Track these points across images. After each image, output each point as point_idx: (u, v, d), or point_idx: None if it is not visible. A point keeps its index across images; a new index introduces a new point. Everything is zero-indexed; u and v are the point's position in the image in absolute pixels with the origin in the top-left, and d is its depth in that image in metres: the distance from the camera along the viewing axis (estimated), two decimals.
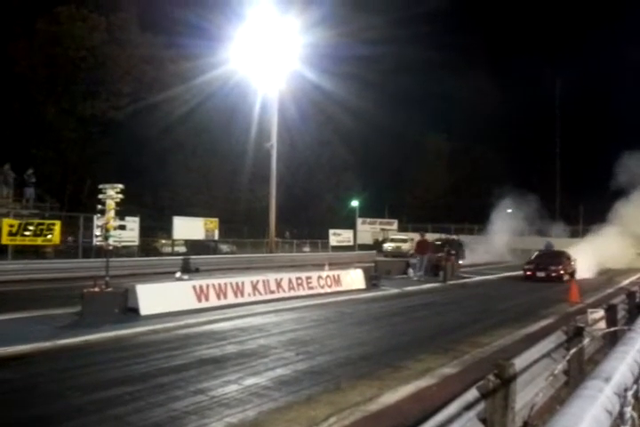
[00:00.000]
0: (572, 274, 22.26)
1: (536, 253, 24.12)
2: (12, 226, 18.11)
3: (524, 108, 58.15)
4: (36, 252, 20.65)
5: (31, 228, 18.36)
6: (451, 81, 56.43)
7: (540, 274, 21.41)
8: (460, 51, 59.07)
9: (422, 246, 21.58)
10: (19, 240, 18.28)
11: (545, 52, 65.12)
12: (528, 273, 21.74)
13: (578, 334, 6.04)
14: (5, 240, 18.12)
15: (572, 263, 22.80)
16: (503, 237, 35.85)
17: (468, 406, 3.77)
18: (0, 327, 9.42)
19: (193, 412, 5.42)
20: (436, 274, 20.80)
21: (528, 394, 4.81)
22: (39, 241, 18.74)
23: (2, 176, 23.04)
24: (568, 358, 5.45)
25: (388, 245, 39.15)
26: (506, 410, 4.04)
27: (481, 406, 3.90)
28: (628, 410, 3.02)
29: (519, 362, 4.51)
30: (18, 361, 7.32)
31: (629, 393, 3.07)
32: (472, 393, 3.93)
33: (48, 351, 7.90)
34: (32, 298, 13.54)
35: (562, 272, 21.45)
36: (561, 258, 22.66)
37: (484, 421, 3.92)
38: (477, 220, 42.36)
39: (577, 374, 5.99)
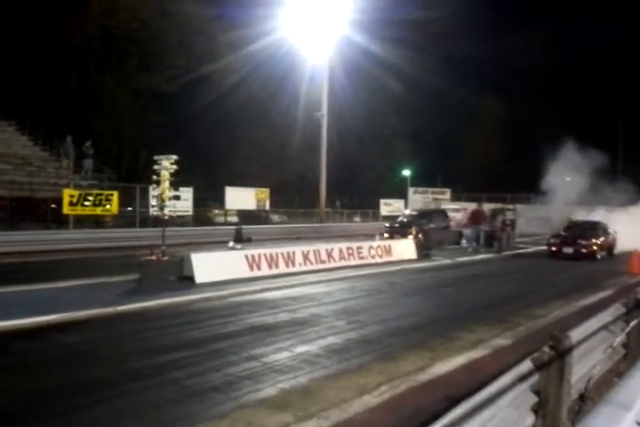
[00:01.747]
0: (609, 249, 19.00)
1: (567, 224, 20.38)
2: (72, 196, 18.78)
3: (583, 70, 55.26)
4: (95, 221, 21.40)
5: (90, 198, 18.99)
6: (506, 44, 54.06)
7: (568, 250, 17.85)
8: (516, 11, 56.39)
9: (477, 216, 21.12)
10: (79, 210, 18.96)
11: (604, 8, 61.20)
12: (553, 249, 18.35)
13: (638, 306, 5.81)
14: (66, 210, 18.83)
15: (611, 236, 19.20)
16: (561, 207, 34.64)
17: (522, 378, 3.69)
18: (64, 294, 9.87)
19: (247, 377, 5.54)
20: (491, 244, 20.42)
21: (584, 367, 4.69)
22: (98, 211, 19.39)
23: (63, 148, 23.78)
24: (628, 330, 5.26)
25: None
26: (561, 382, 3.94)
27: (535, 379, 3.82)
28: None
29: (576, 334, 4.38)
30: (81, 326, 7.66)
31: None
32: (526, 365, 3.84)
33: (109, 317, 8.23)
34: (93, 266, 14.10)
35: (594, 248, 17.78)
36: (595, 230, 18.82)
37: (537, 393, 3.84)
38: (535, 188, 41.04)
39: (636, 347, 5.79)
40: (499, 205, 31.26)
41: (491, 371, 5.09)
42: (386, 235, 21.57)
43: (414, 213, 25.42)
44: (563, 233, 19.03)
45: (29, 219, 20.84)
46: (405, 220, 23.54)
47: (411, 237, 18.63)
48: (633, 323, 5.08)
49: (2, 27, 31.04)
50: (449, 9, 43.96)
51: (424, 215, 23.91)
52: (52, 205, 20.81)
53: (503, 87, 56.77)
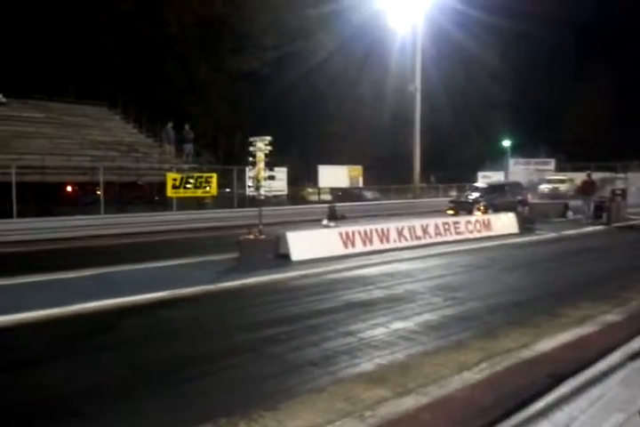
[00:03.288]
0: None
1: None
2: (175, 180, 19.68)
3: None
4: (196, 203, 22.37)
5: (191, 181, 19.80)
6: (612, 2, 49.83)
7: None
8: None
9: (587, 187, 19.83)
10: (181, 193, 19.85)
11: None
12: None
13: None
14: (170, 193, 19.80)
15: None
16: None
17: (634, 356, 3.45)
18: (169, 272, 10.43)
19: (344, 352, 5.60)
20: (599, 216, 19.18)
21: None
22: (199, 193, 20.19)
23: (164, 134, 24.93)
24: None
25: (544, 187, 36.69)
26: None
27: None
28: None
29: None
30: (186, 302, 8.07)
31: None
32: (638, 342, 3.58)
33: (211, 294, 8.60)
34: (195, 246, 14.79)
35: None
36: None
37: None
38: None
39: None
40: (607, 174, 29.27)
41: (599, 348, 4.81)
42: (450, 211, 20.51)
43: (483, 185, 23.67)
44: None
45: (136, 202, 22.13)
46: (473, 194, 21.91)
47: (478, 213, 17.73)
48: None
49: (105, 20, 32.87)
50: None
51: (495, 189, 22.25)
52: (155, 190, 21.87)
53: (610, 50, 52.65)
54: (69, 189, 22.91)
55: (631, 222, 19.25)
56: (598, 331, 6.24)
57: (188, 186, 19.73)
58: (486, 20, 37.28)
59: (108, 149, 23.27)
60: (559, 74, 50.29)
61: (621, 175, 32.13)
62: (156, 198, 22.43)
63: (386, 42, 32.25)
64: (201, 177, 20.10)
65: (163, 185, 20.21)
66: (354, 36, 35.21)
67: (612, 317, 6.84)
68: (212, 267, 10.75)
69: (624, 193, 22.13)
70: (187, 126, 24.28)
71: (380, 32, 31.88)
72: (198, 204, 22.43)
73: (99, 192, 20.29)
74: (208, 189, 19.96)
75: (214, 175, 20.33)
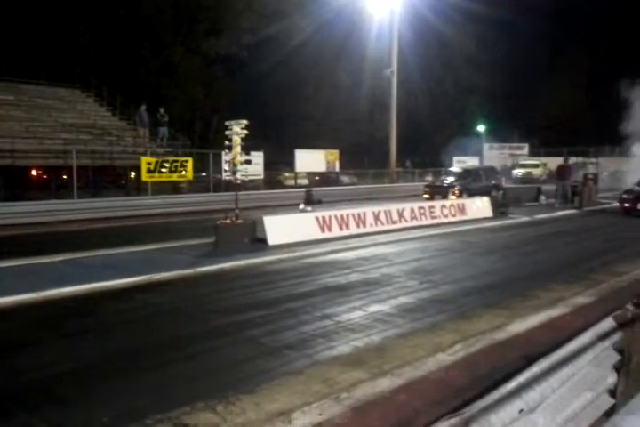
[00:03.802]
0: None
1: None
2: (149, 164, 19.41)
3: None
4: (171, 187, 22.15)
5: (167, 165, 19.56)
6: None
7: None
8: None
9: (564, 171, 20.14)
10: (156, 177, 19.60)
11: None
12: (626, 205, 16.60)
13: None
14: (145, 177, 19.55)
15: None
16: None
17: (604, 336, 3.55)
18: (146, 257, 10.34)
19: (321, 335, 5.65)
20: (572, 200, 19.53)
21: None
22: (174, 177, 19.97)
23: (138, 117, 24.48)
24: None
25: (517, 171, 37.16)
26: None
27: (617, 337, 3.66)
28: None
29: None
30: (163, 287, 8.03)
31: None
32: (608, 323, 3.69)
33: (188, 278, 8.58)
34: (171, 230, 14.65)
35: None
36: None
37: (620, 351, 3.69)
38: (620, 141, 38.60)
39: None
40: (580, 159, 29.74)
41: (571, 329, 4.93)
42: (425, 196, 20.69)
43: (458, 170, 23.81)
44: (637, 188, 17.10)
45: (110, 186, 21.81)
46: (448, 178, 22.04)
47: (453, 197, 17.92)
48: None
49: (77, 2, 31.99)
50: None
51: (469, 173, 22.35)
52: (132, 173, 21.57)
53: (585, 38, 53.12)
54: (34, 173, 22.23)
55: (602, 206, 19.65)
56: (569, 312, 6.40)
57: (163, 170, 19.49)
58: (464, 6, 37.25)
59: (80, 133, 22.80)
60: (535, 60, 50.68)
61: (593, 160, 32.66)
62: (123, 182, 21.96)
63: (364, 26, 32.08)
64: (176, 161, 19.88)
65: (138, 169, 19.93)
66: (332, 20, 35.01)
67: (582, 298, 7.01)
68: (189, 251, 10.69)
69: (596, 178, 22.57)
70: (161, 109, 23.88)
71: (358, 16, 31.70)
72: (174, 188, 22.21)
73: (65, 176, 19.87)
74: (184, 173, 19.76)
75: (190, 159, 20.14)
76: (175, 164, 19.69)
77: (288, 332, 5.78)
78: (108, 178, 22.86)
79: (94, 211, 17.42)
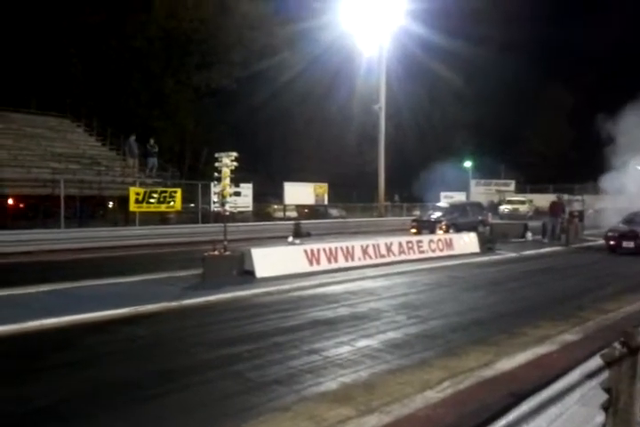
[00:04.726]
0: None
1: (628, 214, 17.78)
2: (138, 194, 19.40)
3: None
4: (160, 218, 22.06)
5: (155, 195, 19.57)
6: (570, 28, 52.00)
7: (628, 244, 15.88)
8: None
9: (556, 208, 20.41)
10: (144, 207, 19.57)
11: None
12: (612, 243, 16.54)
13: None
14: (133, 207, 19.50)
15: None
16: (634, 198, 32.86)
17: (591, 375, 3.56)
18: (132, 288, 10.25)
19: (308, 370, 5.59)
20: (559, 237, 19.73)
21: None
22: (163, 208, 19.95)
23: (127, 147, 24.57)
24: None
25: (504, 207, 37.53)
26: (634, 380, 3.76)
27: (605, 375, 3.67)
28: None
29: None
30: (149, 319, 7.94)
31: None
32: (595, 361, 3.70)
33: (174, 310, 8.49)
34: (158, 261, 14.56)
35: None
36: None
37: (608, 390, 3.69)
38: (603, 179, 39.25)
39: None
40: (565, 196, 30.14)
41: (558, 367, 4.93)
42: (413, 230, 20.79)
43: (445, 205, 23.92)
44: (622, 226, 17.09)
45: (98, 216, 21.70)
46: (435, 213, 22.16)
47: (440, 232, 18.06)
48: None
49: (70, 32, 32.49)
50: None
51: (456, 208, 22.52)
52: (111, 203, 21.32)
53: (568, 75, 54.68)
54: (11, 202, 21.88)
55: (588, 244, 19.84)
56: (556, 350, 6.39)
57: (152, 200, 19.49)
58: (451, 44, 38.36)
59: (69, 162, 22.82)
60: (520, 96, 51.86)
61: (579, 197, 33.08)
62: (101, 213, 21.69)
63: (353, 62, 32.80)
64: (165, 192, 19.89)
65: (126, 199, 19.90)
66: (322, 56, 35.77)
67: (569, 336, 7.01)
68: (176, 283, 10.60)
69: (581, 215, 22.81)
70: (151, 140, 24.01)
71: (348, 52, 32.44)
72: (162, 219, 22.14)
73: (49, 205, 19.71)
74: (172, 203, 19.77)
75: (179, 190, 20.16)
76: (164, 194, 19.70)
77: (275, 366, 5.71)
78: (96, 208, 22.76)
79: (81, 241, 17.30)
